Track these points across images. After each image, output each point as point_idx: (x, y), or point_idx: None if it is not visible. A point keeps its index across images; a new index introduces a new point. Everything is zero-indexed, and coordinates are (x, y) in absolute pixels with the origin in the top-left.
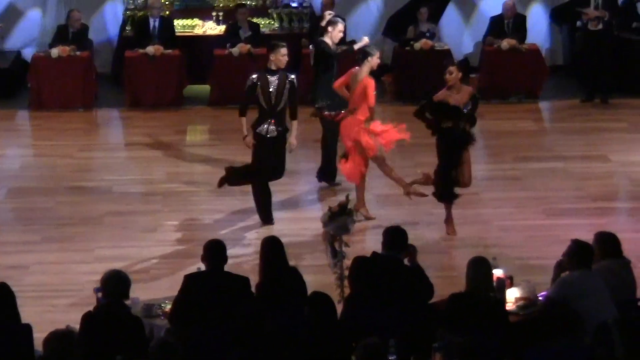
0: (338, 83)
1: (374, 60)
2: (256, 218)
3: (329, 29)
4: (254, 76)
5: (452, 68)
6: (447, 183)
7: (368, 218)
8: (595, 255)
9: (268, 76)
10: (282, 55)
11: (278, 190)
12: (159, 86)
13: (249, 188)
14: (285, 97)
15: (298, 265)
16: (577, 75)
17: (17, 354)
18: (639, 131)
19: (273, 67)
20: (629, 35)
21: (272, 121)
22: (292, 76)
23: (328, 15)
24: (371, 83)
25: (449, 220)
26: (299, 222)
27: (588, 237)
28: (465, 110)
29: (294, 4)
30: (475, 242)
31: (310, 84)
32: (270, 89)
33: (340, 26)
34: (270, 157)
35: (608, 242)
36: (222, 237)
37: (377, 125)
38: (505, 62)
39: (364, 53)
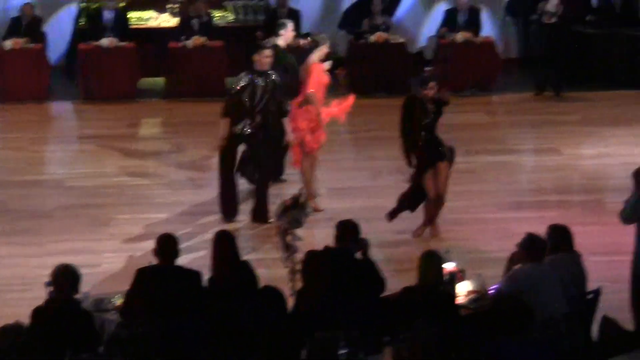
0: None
1: (323, 50)
2: (208, 211)
3: (281, 32)
4: (246, 79)
5: (432, 84)
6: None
7: (317, 210)
8: (547, 248)
9: (257, 77)
10: (265, 57)
11: None
12: (113, 79)
13: (202, 182)
14: (267, 97)
15: (250, 259)
16: (530, 69)
17: None
18: (591, 124)
19: (259, 68)
20: (582, 28)
21: (249, 121)
22: (274, 75)
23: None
24: (316, 68)
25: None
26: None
27: (540, 230)
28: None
29: None
30: (427, 236)
31: None
32: (258, 90)
33: (290, 26)
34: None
35: (560, 235)
36: (175, 231)
37: (324, 112)
38: (459, 55)
39: (314, 43)
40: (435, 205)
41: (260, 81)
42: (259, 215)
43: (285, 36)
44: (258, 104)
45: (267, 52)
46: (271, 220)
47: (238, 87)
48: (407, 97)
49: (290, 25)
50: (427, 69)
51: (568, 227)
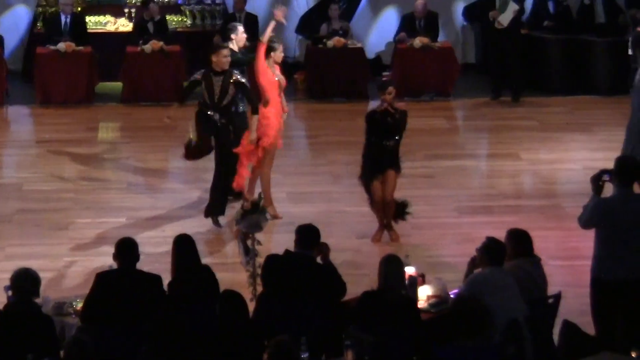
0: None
1: (277, 55)
2: (167, 216)
3: (232, 36)
4: (198, 75)
5: (391, 89)
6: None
7: (275, 217)
8: (507, 253)
9: (213, 76)
10: (223, 57)
11: (191, 187)
12: (70, 83)
13: (161, 185)
14: (230, 95)
15: (210, 263)
16: (488, 74)
17: None
18: (549, 129)
19: (217, 69)
20: (540, 33)
21: (218, 114)
22: (237, 74)
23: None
24: (264, 70)
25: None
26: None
27: (499, 234)
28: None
29: (207, 1)
30: (386, 240)
31: None
32: (215, 89)
33: (241, 29)
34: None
35: (520, 240)
36: (134, 235)
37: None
38: (417, 60)
39: (267, 48)
40: (384, 210)
41: (218, 80)
42: (215, 210)
43: (237, 39)
44: (218, 102)
45: (225, 51)
46: (226, 217)
47: (198, 77)
48: (367, 113)
49: (240, 28)
50: (385, 73)
51: (527, 232)
